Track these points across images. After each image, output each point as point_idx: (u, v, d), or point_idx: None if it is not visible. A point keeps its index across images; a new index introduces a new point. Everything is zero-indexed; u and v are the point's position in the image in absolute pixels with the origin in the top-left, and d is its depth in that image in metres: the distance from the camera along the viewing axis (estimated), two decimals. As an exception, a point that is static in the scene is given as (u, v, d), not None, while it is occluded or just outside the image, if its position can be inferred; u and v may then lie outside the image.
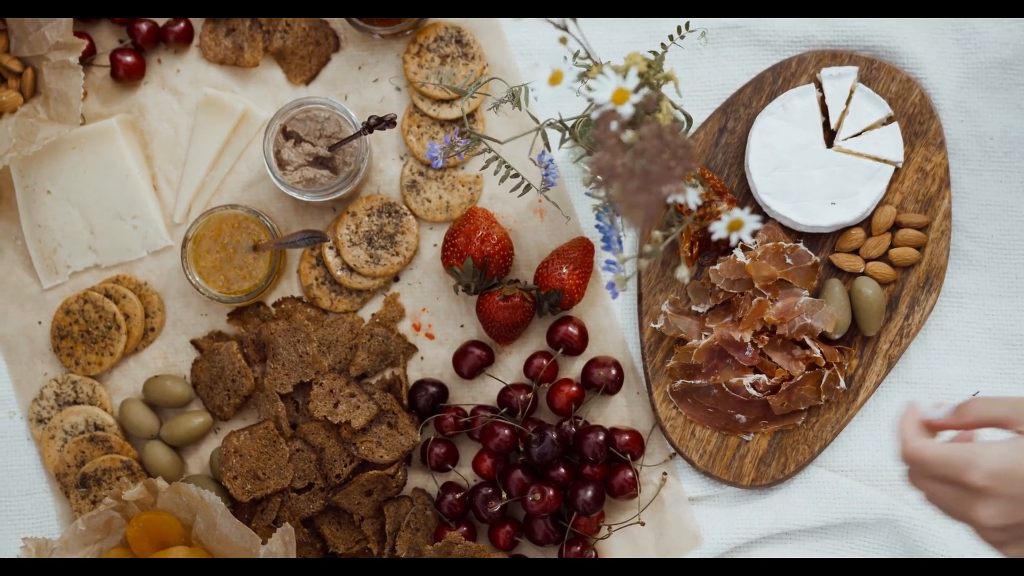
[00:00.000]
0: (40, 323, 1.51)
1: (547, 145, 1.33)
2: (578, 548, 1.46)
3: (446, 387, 1.49)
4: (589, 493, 1.44)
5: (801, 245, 1.44)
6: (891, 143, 1.43)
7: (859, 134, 1.43)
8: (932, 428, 1.13)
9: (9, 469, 1.52)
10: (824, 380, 1.43)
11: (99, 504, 1.45)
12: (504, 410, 1.46)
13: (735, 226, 1.12)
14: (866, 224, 1.46)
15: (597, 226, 1.30)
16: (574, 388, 1.46)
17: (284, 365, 1.47)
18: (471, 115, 1.48)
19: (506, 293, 1.44)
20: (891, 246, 1.45)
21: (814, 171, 1.42)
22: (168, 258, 1.51)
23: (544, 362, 1.46)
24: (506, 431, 1.44)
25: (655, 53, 1.22)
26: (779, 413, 1.45)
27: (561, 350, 1.47)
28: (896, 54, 1.45)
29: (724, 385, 1.44)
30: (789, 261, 1.43)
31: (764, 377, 1.44)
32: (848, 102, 1.43)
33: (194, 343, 1.51)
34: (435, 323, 1.50)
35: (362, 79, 1.50)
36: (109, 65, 1.50)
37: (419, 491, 1.49)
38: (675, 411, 1.47)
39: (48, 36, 1.45)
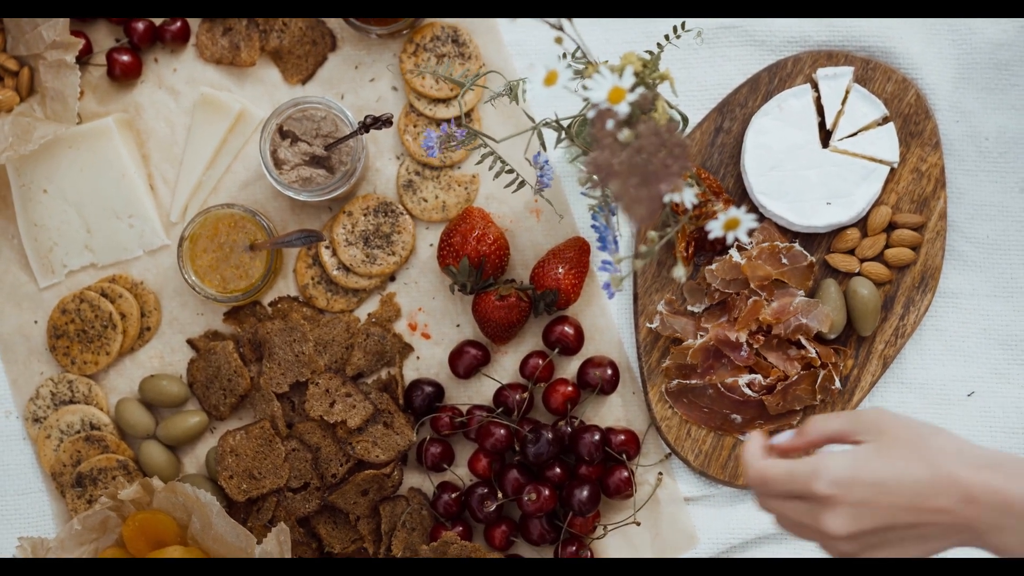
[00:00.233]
0: (36, 322, 1.51)
1: (543, 145, 1.34)
2: (574, 548, 1.46)
3: (442, 387, 1.49)
4: (585, 493, 1.44)
5: (797, 245, 1.44)
6: (887, 143, 1.43)
7: (855, 134, 1.43)
8: (776, 452, 1.15)
9: (5, 468, 1.52)
10: (819, 380, 1.43)
11: (95, 503, 1.45)
12: (500, 410, 1.46)
13: (731, 225, 1.12)
14: (862, 224, 1.46)
15: (593, 226, 1.30)
16: (570, 388, 1.46)
17: (280, 365, 1.47)
18: (468, 114, 1.48)
19: (502, 293, 1.44)
20: (886, 246, 1.45)
21: (810, 171, 1.43)
22: (164, 257, 1.51)
23: (540, 362, 1.46)
24: (502, 431, 1.45)
25: (651, 53, 1.22)
26: (775, 413, 1.45)
27: (557, 350, 1.47)
28: (892, 54, 1.46)
29: (720, 385, 1.44)
30: (785, 261, 1.44)
31: (760, 377, 1.44)
32: (844, 102, 1.44)
33: (190, 342, 1.51)
34: (431, 323, 1.50)
35: (359, 79, 1.50)
36: (105, 64, 1.50)
37: (415, 491, 1.49)
38: (671, 411, 1.47)
39: (45, 35, 1.45)
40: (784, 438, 1.16)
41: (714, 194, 1.43)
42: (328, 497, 1.46)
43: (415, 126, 1.49)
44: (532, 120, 1.38)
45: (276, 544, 1.37)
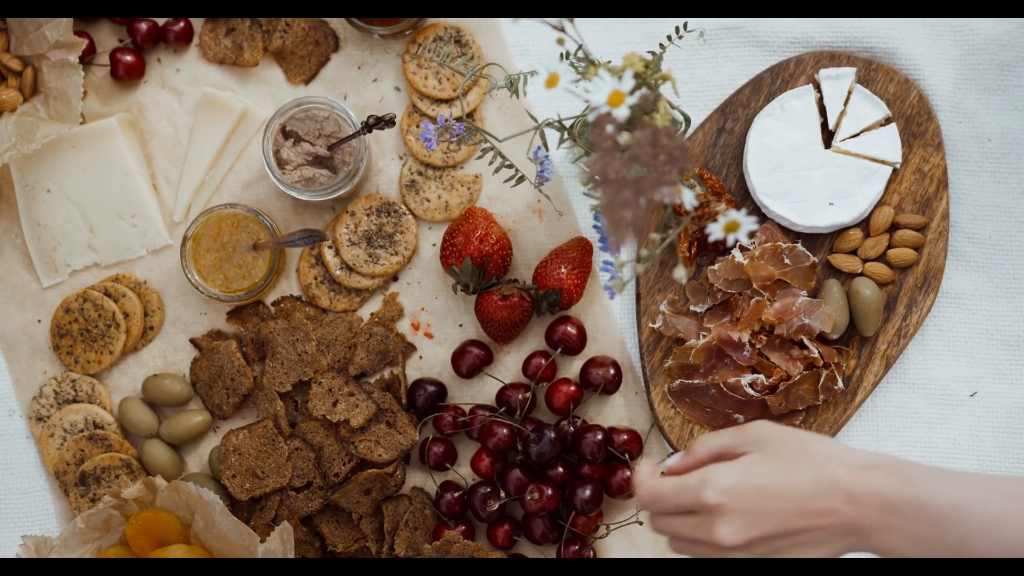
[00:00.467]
0: (40, 321, 1.52)
1: (544, 144, 1.34)
2: (576, 547, 1.46)
3: (445, 386, 1.49)
4: (587, 492, 1.44)
5: (799, 246, 1.44)
6: (889, 144, 1.43)
7: (857, 135, 1.43)
8: (668, 474, 1.17)
9: (8, 467, 1.52)
10: (822, 380, 1.43)
11: (98, 502, 1.45)
12: (503, 409, 1.46)
13: (731, 227, 1.12)
14: (864, 225, 1.46)
15: (595, 226, 1.30)
16: (572, 388, 1.46)
17: (283, 364, 1.47)
18: (470, 115, 1.48)
19: (505, 293, 1.44)
20: (889, 247, 1.45)
21: (812, 172, 1.42)
22: (167, 257, 1.51)
23: (543, 361, 1.47)
24: (504, 430, 1.45)
25: (653, 53, 1.22)
26: (777, 413, 1.45)
27: (560, 350, 1.47)
28: (894, 55, 1.45)
29: (722, 385, 1.44)
30: (787, 261, 1.44)
31: (762, 377, 1.44)
32: (846, 103, 1.44)
33: (193, 342, 1.51)
34: (434, 322, 1.50)
35: (361, 79, 1.50)
36: (109, 64, 1.50)
37: (417, 490, 1.49)
38: (673, 411, 1.47)
39: (48, 35, 1.45)
40: (673, 460, 1.19)
41: (716, 195, 1.43)
42: (331, 496, 1.47)
43: (418, 126, 1.49)
44: (535, 120, 1.38)
45: (279, 543, 1.37)
